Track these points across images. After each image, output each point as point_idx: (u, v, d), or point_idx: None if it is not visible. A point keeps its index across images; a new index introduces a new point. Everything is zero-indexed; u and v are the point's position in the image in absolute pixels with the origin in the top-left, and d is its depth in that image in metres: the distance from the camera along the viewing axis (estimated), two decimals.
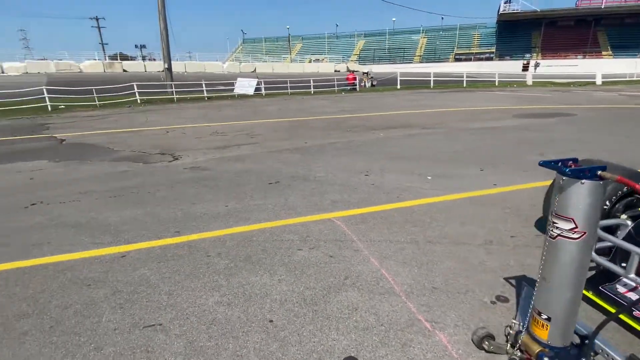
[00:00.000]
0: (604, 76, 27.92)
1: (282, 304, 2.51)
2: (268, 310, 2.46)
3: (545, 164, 1.69)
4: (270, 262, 3.08)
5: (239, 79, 23.00)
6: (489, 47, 60.92)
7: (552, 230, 1.67)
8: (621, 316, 2.23)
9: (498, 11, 56.82)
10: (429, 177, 5.33)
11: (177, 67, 37.43)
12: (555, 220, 1.64)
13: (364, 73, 29.28)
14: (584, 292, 1.80)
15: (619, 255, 2.54)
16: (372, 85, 27.32)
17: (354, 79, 25.30)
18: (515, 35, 58.62)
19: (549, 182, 5.07)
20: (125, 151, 7.74)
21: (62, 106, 16.42)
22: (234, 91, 21.79)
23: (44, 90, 16.24)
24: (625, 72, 32.81)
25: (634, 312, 2.22)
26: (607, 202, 2.88)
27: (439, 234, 3.50)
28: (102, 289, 2.76)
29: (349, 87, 24.91)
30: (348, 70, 46.57)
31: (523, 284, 2.77)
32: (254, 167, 6.20)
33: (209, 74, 38.65)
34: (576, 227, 1.58)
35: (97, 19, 61.82)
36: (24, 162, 7.00)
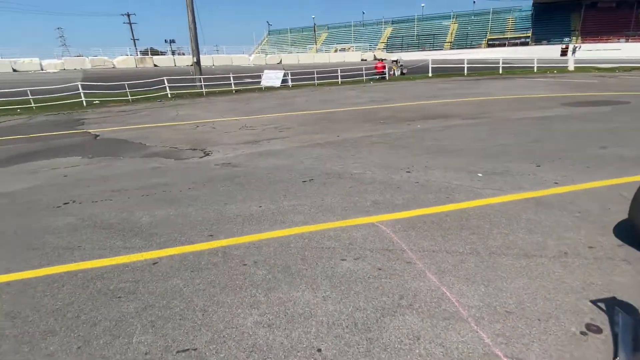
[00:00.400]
0: None
1: (330, 329, 2.19)
2: (314, 335, 2.15)
3: None
4: (311, 274, 2.77)
5: (265, 71, 22.80)
6: (525, 32, 57.65)
7: None
8: None
9: None
10: (480, 174, 4.83)
11: (206, 60, 37.76)
12: None
13: (393, 61, 28.26)
14: None
15: None
16: (402, 73, 26.35)
17: (383, 67, 24.45)
18: (552, 18, 55.13)
19: (618, 180, 4.53)
20: (156, 147, 7.66)
21: (97, 101, 16.80)
22: (261, 83, 21.63)
23: (79, 86, 16.65)
24: None
25: None
26: None
27: (503, 244, 3.06)
28: (132, 302, 2.55)
29: (377, 76, 24.14)
30: (375, 58, 45.38)
31: (616, 310, 2.32)
32: (286, 163, 5.91)
33: (236, 66, 38.76)
34: None
35: (128, 15, 63.31)
36: (59, 158, 7.05)
